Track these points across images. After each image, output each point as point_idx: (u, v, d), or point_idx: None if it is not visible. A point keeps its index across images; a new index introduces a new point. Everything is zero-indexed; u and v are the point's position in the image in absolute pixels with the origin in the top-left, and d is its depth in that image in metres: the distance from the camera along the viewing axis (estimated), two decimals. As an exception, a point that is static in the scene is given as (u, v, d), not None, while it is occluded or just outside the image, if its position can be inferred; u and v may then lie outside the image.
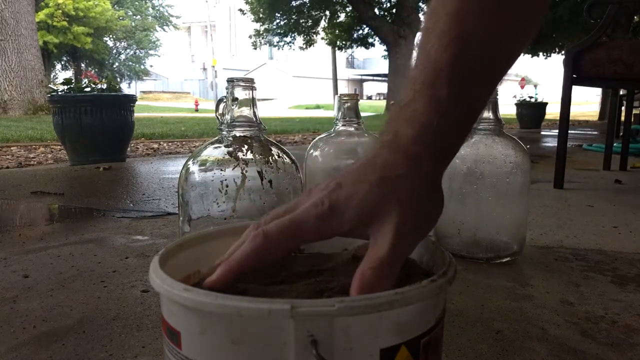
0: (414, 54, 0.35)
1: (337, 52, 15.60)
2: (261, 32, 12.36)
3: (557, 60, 13.08)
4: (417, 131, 0.32)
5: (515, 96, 7.01)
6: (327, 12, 11.72)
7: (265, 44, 13.70)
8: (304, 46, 12.39)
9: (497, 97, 0.88)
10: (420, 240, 0.32)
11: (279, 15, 11.75)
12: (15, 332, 0.60)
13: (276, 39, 12.75)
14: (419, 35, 0.35)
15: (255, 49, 13.03)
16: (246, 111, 0.69)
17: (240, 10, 12.42)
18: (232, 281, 0.32)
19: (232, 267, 0.31)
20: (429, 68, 0.32)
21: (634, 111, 3.04)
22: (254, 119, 0.69)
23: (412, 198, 0.31)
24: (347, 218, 0.31)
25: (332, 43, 12.65)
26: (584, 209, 1.36)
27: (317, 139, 1.01)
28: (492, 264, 0.86)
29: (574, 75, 1.67)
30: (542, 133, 5.55)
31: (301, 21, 11.84)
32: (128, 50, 22.79)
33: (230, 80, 0.68)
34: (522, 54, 0.36)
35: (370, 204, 0.31)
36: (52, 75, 17.42)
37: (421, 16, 10.19)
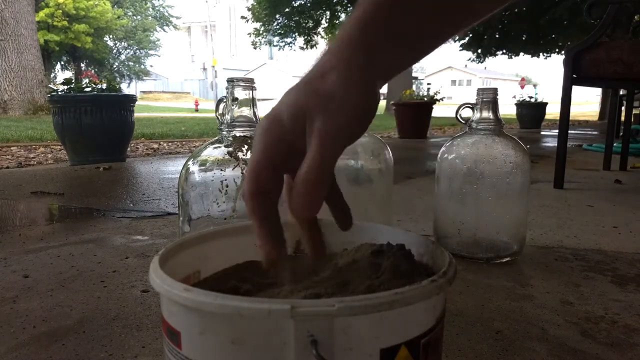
0: None
1: (337, 52, 15.57)
2: (261, 32, 12.35)
3: (557, 60, 13.09)
4: (351, 24, 0.32)
5: (515, 96, 7.01)
6: (328, 13, 11.71)
7: (265, 44, 13.69)
8: (305, 47, 12.39)
9: (497, 97, 0.88)
10: (346, 144, 0.32)
11: (279, 16, 11.75)
12: (15, 332, 0.60)
13: (276, 39, 12.75)
14: None
15: (255, 48, 13.02)
16: (246, 111, 0.69)
17: (243, 17, 12.41)
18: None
19: (262, 241, 0.32)
20: None
21: (634, 111, 3.04)
22: (254, 119, 0.69)
23: (329, 98, 0.30)
24: (286, 123, 0.31)
25: (332, 43, 12.63)
26: (584, 209, 1.36)
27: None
28: (492, 264, 0.86)
29: (574, 75, 1.67)
30: (542, 133, 5.55)
31: (302, 22, 11.84)
32: (128, 50, 22.79)
33: (230, 80, 0.68)
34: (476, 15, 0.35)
35: (300, 105, 0.31)
36: (52, 75, 17.43)
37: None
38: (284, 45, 12.84)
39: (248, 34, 12.73)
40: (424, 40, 0.34)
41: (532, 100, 6.85)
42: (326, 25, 12.12)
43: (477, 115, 0.88)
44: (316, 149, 0.30)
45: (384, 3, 0.32)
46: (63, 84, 2.66)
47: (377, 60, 0.32)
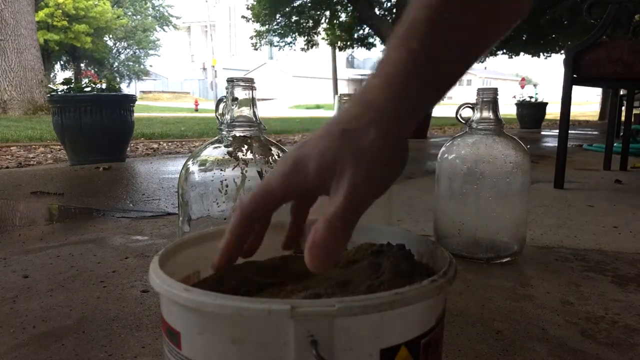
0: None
1: (337, 52, 15.59)
2: (262, 33, 12.35)
3: (557, 60, 13.08)
4: (382, 81, 0.32)
5: (515, 96, 7.01)
6: (327, 13, 11.71)
7: (266, 44, 13.69)
8: (306, 47, 12.38)
9: (497, 96, 0.88)
10: (375, 197, 0.32)
11: (279, 15, 11.74)
12: (15, 332, 0.60)
13: (276, 39, 12.74)
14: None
15: (256, 49, 13.02)
16: (246, 111, 0.69)
17: (244, 17, 12.40)
18: (230, 266, 0.34)
19: (223, 250, 0.33)
20: (406, 23, 0.33)
21: (634, 111, 3.04)
22: (254, 119, 0.69)
23: (368, 154, 0.30)
24: (310, 171, 0.31)
25: (332, 43, 12.64)
26: (584, 209, 1.36)
27: (317, 139, 1.01)
28: (493, 264, 0.86)
29: (574, 75, 1.67)
30: (543, 133, 5.55)
31: (302, 22, 11.83)
32: (128, 50, 22.79)
33: (230, 80, 0.68)
34: (502, 36, 0.35)
35: (329, 157, 0.31)
36: (51, 75, 17.42)
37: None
38: (284, 45, 12.84)
39: (250, 37, 12.73)
40: (453, 81, 0.35)
41: (533, 100, 6.85)
42: (326, 25, 12.11)
43: (477, 115, 0.88)
44: (345, 195, 0.29)
45: (418, 51, 0.32)
46: (63, 83, 2.66)
47: (414, 114, 0.33)
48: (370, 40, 12.18)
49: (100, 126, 2.48)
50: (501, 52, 10.78)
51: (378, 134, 0.31)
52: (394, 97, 0.31)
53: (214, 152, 0.69)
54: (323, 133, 0.32)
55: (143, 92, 26.17)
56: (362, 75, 33.80)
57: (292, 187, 0.32)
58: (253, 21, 12.13)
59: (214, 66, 25.11)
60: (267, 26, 12.23)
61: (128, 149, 2.84)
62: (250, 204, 0.33)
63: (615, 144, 2.27)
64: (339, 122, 0.32)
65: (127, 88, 21.39)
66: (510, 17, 0.35)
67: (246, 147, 0.67)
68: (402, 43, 0.32)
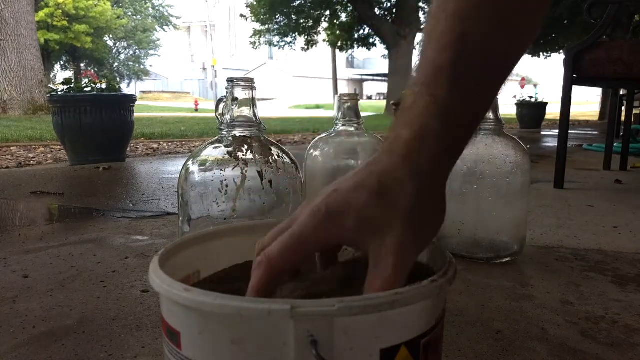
0: (416, 59, 0.34)
1: (337, 52, 15.59)
2: (262, 32, 12.35)
3: (557, 60, 13.08)
4: (415, 133, 0.30)
5: (515, 96, 7.01)
6: (328, 12, 11.71)
7: (265, 43, 13.69)
8: (306, 47, 12.38)
9: (498, 97, 0.88)
10: (422, 250, 0.31)
11: (279, 15, 11.74)
12: (15, 332, 0.60)
13: (276, 38, 12.74)
14: (421, 40, 0.34)
15: (255, 48, 13.02)
16: (246, 111, 0.69)
17: (242, 15, 12.40)
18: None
19: None
20: (428, 69, 0.31)
21: (634, 111, 3.04)
22: (254, 119, 0.69)
23: (412, 211, 0.29)
24: (348, 225, 0.29)
25: (333, 43, 12.65)
26: (584, 209, 1.36)
27: (317, 139, 1.01)
28: (493, 264, 0.86)
29: (574, 75, 1.67)
30: (543, 133, 5.55)
31: (301, 21, 11.83)
32: (128, 50, 22.79)
33: (230, 80, 0.68)
34: (523, 55, 0.35)
35: (370, 214, 0.29)
36: (51, 75, 17.42)
37: (422, 16, 10.18)
38: (284, 45, 12.84)
39: (250, 36, 12.73)
40: (484, 115, 0.35)
41: (533, 100, 6.85)
42: (327, 25, 12.11)
43: (477, 115, 0.88)
44: (395, 259, 0.28)
45: (445, 97, 0.31)
46: (63, 83, 2.66)
47: (450, 162, 0.32)
48: (371, 40, 12.17)
49: (100, 126, 2.48)
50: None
51: (418, 189, 0.30)
52: (428, 148, 0.30)
53: (214, 152, 0.69)
54: (357, 184, 0.30)
55: (143, 92, 26.18)
56: (361, 75, 33.81)
57: (328, 241, 0.30)
58: (253, 20, 12.13)
59: (214, 66, 25.12)
60: (266, 26, 12.23)
61: (128, 149, 2.84)
62: (280, 258, 0.30)
63: (615, 144, 2.27)
64: (372, 175, 0.30)
65: (127, 88, 21.40)
66: (533, 29, 0.34)
67: (246, 147, 0.67)
68: (427, 92, 0.31)
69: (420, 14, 10.18)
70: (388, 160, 0.31)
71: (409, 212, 0.29)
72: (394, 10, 10.51)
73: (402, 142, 0.31)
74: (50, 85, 4.23)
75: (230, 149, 0.67)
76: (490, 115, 0.88)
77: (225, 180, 0.65)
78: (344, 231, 0.29)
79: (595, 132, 5.59)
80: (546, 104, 6.74)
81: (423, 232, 0.30)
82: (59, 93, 2.58)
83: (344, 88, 27.68)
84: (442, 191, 0.32)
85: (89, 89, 2.60)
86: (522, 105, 6.73)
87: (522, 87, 8.81)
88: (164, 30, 23.55)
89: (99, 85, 2.65)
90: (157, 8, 23.18)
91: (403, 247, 0.29)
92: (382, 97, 25.40)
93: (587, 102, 20.40)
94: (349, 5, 10.77)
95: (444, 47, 0.31)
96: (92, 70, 18.48)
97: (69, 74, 17.92)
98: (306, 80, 29.35)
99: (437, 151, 0.31)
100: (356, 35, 12.08)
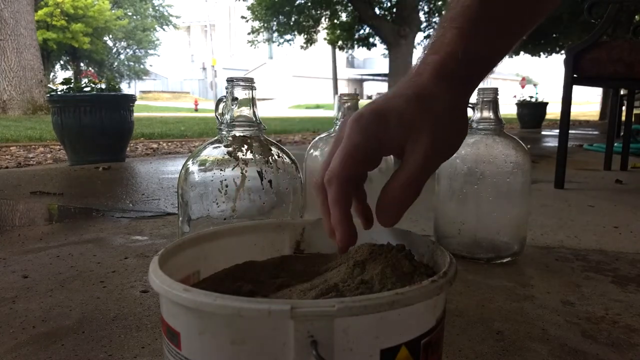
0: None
1: (338, 51, 15.59)
2: (260, 30, 12.34)
3: (557, 60, 13.08)
4: (443, 58, 0.34)
5: (515, 96, 7.01)
6: (328, 12, 11.71)
7: (264, 41, 13.67)
8: (305, 45, 12.37)
9: (498, 96, 0.88)
10: (442, 162, 0.35)
11: (279, 15, 11.74)
12: (15, 332, 0.60)
13: (275, 35, 12.73)
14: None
15: (253, 46, 13.01)
16: (246, 111, 0.69)
17: (243, 17, 12.39)
18: (355, 241, 0.34)
19: (342, 228, 0.34)
20: (457, 6, 0.35)
21: (635, 111, 3.04)
22: (254, 119, 0.69)
23: (443, 119, 0.33)
24: (390, 125, 0.33)
25: (333, 43, 12.64)
26: (585, 209, 1.36)
27: (317, 139, 1.01)
28: (493, 264, 0.86)
29: (575, 75, 1.67)
30: (543, 133, 5.55)
31: (301, 20, 11.83)
32: (127, 50, 22.78)
33: (230, 80, 0.68)
34: (550, 7, 0.38)
35: (408, 117, 0.33)
36: (51, 75, 17.41)
37: (422, 16, 10.18)
38: (282, 42, 12.83)
39: (248, 33, 12.72)
40: (502, 57, 0.38)
41: (533, 100, 6.85)
42: (327, 24, 12.10)
43: (477, 115, 0.88)
44: (421, 159, 0.32)
45: (474, 31, 0.35)
46: (62, 83, 2.65)
47: (479, 78, 0.37)
48: (371, 39, 12.17)
49: (100, 126, 2.48)
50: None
51: (452, 102, 0.34)
52: (453, 73, 0.34)
53: (213, 152, 0.69)
54: (396, 95, 0.34)
55: (143, 92, 26.18)
56: (361, 75, 33.79)
57: (374, 137, 0.33)
58: (253, 20, 12.12)
59: (213, 66, 25.12)
60: (267, 25, 12.22)
61: (128, 149, 2.83)
62: (343, 168, 0.33)
63: (615, 144, 2.27)
64: (409, 87, 0.34)
65: (127, 88, 21.40)
66: None
67: (246, 147, 0.67)
68: (454, 24, 0.35)
69: (421, 14, 10.18)
70: (418, 79, 0.35)
71: (440, 121, 0.33)
72: (394, 10, 10.50)
73: (431, 65, 0.35)
74: (50, 85, 4.23)
75: (230, 149, 0.67)
76: (491, 115, 0.87)
77: (225, 180, 0.65)
78: (387, 129, 0.33)
79: (596, 132, 5.59)
80: (546, 103, 6.74)
81: (446, 144, 0.34)
82: (59, 93, 2.57)
83: (344, 88, 27.67)
84: (464, 111, 0.36)
85: (88, 88, 2.60)
86: (522, 105, 6.74)
87: (523, 87, 8.82)
88: (163, 29, 23.53)
89: (98, 85, 2.65)
90: (156, 8, 23.17)
91: (429, 152, 0.33)
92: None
93: (588, 102, 20.41)
94: (349, 4, 10.76)
95: None
96: (92, 70, 18.48)
97: (69, 73, 17.93)
98: (306, 80, 29.34)
99: (460, 77, 0.35)
100: (356, 35, 12.08)
